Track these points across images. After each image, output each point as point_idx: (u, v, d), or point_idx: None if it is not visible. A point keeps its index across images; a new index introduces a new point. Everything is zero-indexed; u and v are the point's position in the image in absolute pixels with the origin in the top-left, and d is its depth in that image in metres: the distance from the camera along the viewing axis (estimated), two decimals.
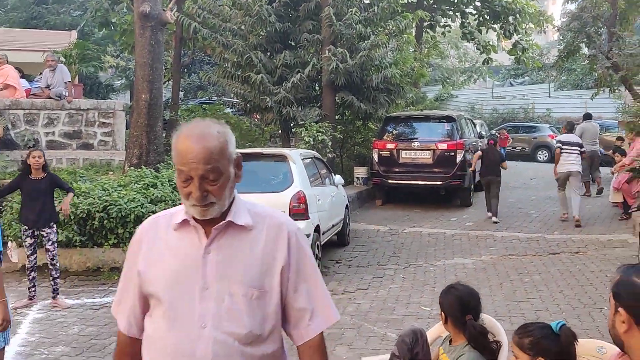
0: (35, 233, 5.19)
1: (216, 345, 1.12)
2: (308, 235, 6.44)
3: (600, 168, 11.44)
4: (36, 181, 5.04)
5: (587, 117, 11.19)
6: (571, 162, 8.54)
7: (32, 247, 5.11)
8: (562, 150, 8.60)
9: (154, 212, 6.33)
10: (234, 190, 1.22)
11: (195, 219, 1.16)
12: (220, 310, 1.14)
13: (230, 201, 1.20)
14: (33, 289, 5.23)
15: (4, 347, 3.08)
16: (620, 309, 1.32)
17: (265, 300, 1.19)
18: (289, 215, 7.94)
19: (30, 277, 5.20)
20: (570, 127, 9.30)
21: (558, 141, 9.24)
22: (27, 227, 5.15)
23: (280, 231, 1.25)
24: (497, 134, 15.17)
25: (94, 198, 6.41)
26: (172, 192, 6.94)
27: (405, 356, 2.47)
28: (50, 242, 5.09)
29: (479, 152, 9.36)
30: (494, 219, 8.70)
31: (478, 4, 16.41)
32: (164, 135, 9.15)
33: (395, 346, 2.55)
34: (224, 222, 1.17)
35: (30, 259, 5.14)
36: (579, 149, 8.63)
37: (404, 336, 2.56)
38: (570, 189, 8.67)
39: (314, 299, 1.26)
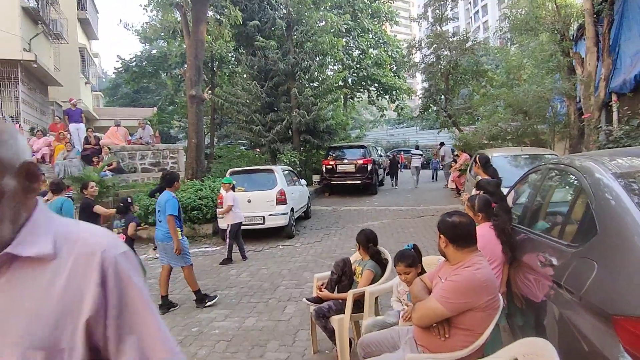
0: None
1: None
2: (285, 214, 8.68)
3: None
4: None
5: (443, 144, 18.05)
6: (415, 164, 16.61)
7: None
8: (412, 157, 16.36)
9: (200, 204, 9.23)
10: (26, 208, 0.80)
11: None
12: None
13: (20, 224, 0.78)
14: None
15: None
16: (440, 235, 2.23)
17: None
18: (276, 203, 8.49)
19: None
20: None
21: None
22: None
23: (90, 261, 0.79)
24: (392, 154, 22.32)
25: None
26: (212, 192, 9.48)
27: (338, 272, 3.56)
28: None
29: (388, 161, 17.74)
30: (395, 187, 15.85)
31: (376, 85, 25.72)
32: (205, 162, 14.37)
33: (332, 267, 3.67)
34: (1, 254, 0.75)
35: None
36: (420, 156, 17.52)
37: (338, 261, 3.68)
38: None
39: (149, 351, 0.81)
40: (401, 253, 2.92)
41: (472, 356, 2.19)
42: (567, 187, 2.75)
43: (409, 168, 20.32)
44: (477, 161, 5.49)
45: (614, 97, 9.01)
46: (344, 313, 3.37)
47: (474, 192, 4.91)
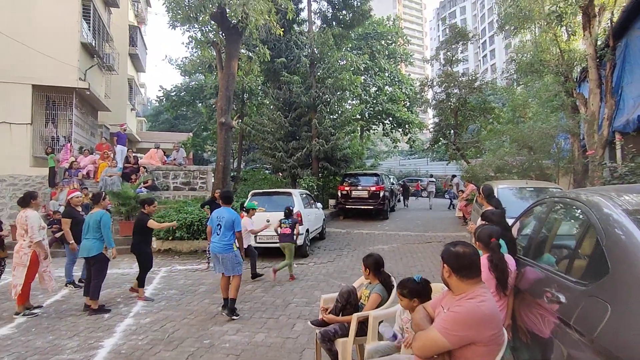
0: None
1: None
2: (301, 234, 8.23)
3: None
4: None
5: (454, 175, 17.68)
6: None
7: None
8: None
9: None
10: None
11: None
12: None
13: None
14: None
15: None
16: (444, 264, 2.01)
17: None
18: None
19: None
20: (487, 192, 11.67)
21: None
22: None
23: None
24: (404, 182, 23.47)
25: (194, 214, 9.33)
26: (236, 210, 9.02)
27: (342, 301, 3.34)
28: None
29: (401, 188, 17.38)
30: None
31: (391, 119, 25.65)
32: (232, 183, 14.30)
33: (338, 295, 3.42)
34: None
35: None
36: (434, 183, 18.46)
37: (343, 291, 3.39)
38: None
39: None
40: (402, 281, 2.67)
41: None
42: (574, 221, 2.50)
43: (425, 193, 21.41)
44: (481, 192, 5.30)
45: (617, 136, 8.67)
46: (347, 337, 3.14)
47: (479, 222, 4.76)
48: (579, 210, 2.29)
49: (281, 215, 8.28)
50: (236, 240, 5.20)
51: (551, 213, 2.84)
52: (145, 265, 5.90)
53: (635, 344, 1.41)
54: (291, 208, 7.38)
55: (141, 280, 5.90)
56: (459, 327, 1.92)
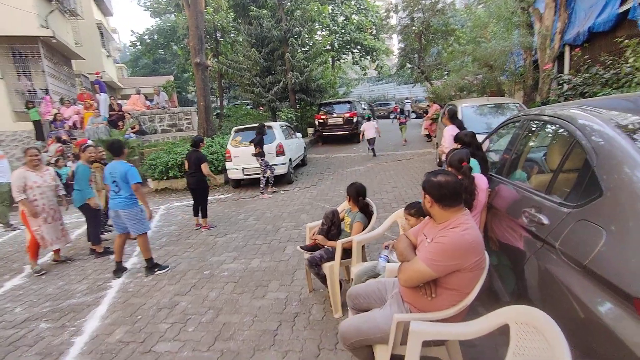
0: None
1: None
2: (284, 164, 8.23)
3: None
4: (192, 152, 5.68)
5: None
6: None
7: None
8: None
9: (212, 159, 8.59)
10: None
11: None
12: None
13: None
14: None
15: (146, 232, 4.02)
16: (426, 194, 1.80)
17: None
18: (275, 155, 8.02)
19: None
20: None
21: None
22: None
23: None
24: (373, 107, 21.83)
25: (184, 154, 8.40)
26: (221, 148, 8.95)
27: (327, 222, 3.22)
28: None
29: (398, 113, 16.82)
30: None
31: (359, 47, 23.74)
32: (217, 121, 13.45)
33: (323, 218, 3.28)
34: None
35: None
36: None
37: (327, 213, 3.26)
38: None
39: None
40: (410, 204, 2.75)
41: (459, 315, 1.78)
42: (555, 140, 2.16)
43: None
44: (446, 113, 5.03)
45: (566, 49, 8.15)
46: (334, 260, 2.97)
47: (449, 142, 4.54)
48: (561, 129, 1.95)
49: (265, 148, 8.00)
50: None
51: (526, 131, 2.51)
52: (205, 197, 5.81)
53: (634, 271, 1.17)
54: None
55: (204, 211, 5.79)
56: (444, 257, 1.68)
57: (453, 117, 4.96)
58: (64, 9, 12.70)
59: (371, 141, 10.94)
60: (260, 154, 7.52)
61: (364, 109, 18.13)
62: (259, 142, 7.44)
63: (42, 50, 11.04)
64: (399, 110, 18.66)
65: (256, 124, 8.37)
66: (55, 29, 11.18)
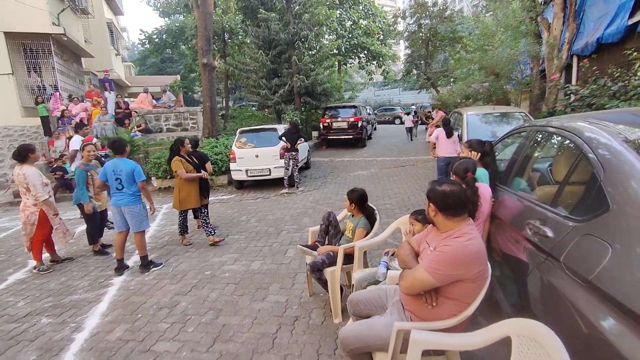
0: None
1: None
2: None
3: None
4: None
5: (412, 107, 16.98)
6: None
7: None
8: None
9: (216, 159, 8.64)
10: None
11: None
12: None
13: None
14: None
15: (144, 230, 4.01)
16: (430, 203, 1.78)
17: None
18: (279, 157, 8.01)
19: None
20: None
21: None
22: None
23: None
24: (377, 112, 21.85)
25: None
26: (225, 149, 9.03)
27: (324, 222, 3.28)
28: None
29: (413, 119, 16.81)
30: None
31: (366, 52, 23.59)
32: (222, 122, 13.51)
33: (321, 220, 3.34)
34: None
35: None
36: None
37: (324, 214, 3.32)
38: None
39: None
40: (417, 210, 2.72)
41: (460, 325, 1.77)
42: (560, 152, 2.16)
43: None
44: (442, 122, 5.74)
45: (574, 60, 8.12)
46: (336, 265, 2.96)
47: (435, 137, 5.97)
48: (567, 141, 1.94)
49: (268, 150, 8.13)
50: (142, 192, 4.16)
51: (532, 142, 2.49)
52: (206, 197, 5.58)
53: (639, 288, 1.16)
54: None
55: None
56: (447, 266, 1.67)
57: (445, 123, 6.25)
58: (76, 7, 12.87)
59: (408, 129, 14.80)
60: (291, 149, 7.78)
61: (369, 114, 18.23)
62: (292, 139, 7.70)
63: (53, 47, 11.18)
64: (414, 112, 18.78)
65: (263, 126, 8.40)
66: (66, 26, 11.33)
